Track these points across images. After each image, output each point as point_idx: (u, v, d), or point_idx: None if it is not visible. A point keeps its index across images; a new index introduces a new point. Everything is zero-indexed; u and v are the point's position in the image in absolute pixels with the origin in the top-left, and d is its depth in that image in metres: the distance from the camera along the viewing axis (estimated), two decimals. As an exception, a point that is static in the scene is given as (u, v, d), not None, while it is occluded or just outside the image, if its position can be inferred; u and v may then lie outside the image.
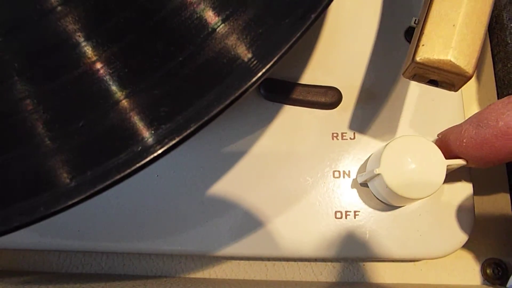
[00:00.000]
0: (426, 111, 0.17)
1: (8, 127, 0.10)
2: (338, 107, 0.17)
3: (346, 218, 0.16)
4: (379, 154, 0.14)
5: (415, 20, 0.16)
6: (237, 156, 0.17)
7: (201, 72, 0.11)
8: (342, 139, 0.17)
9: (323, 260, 0.18)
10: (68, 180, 0.10)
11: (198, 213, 0.16)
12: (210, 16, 0.11)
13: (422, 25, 0.13)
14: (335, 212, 0.16)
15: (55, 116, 0.09)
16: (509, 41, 0.18)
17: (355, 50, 0.18)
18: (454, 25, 0.13)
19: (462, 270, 0.17)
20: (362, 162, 0.16)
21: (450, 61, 0.12)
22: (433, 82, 0.13)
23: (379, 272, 0.18)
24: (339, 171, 0.16)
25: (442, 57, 0.12)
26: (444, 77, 0.13)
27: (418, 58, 0.12)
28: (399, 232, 0.16)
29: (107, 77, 0.09)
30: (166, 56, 0.10)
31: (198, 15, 0.11)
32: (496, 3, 0.19)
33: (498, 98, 0.18)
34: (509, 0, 0.18)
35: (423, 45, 0.13)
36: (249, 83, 0.10)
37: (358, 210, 0.16)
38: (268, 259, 0.18)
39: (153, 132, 0.09)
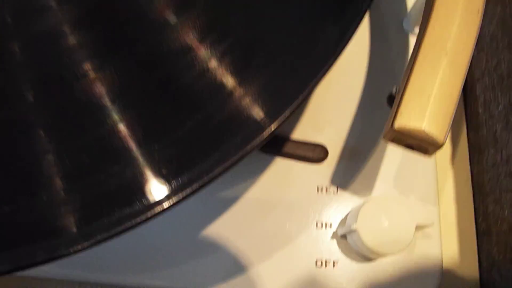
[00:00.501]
0: (403, 171, 0.18)
1: (29, 176, 0.11)
2: (324, 163, 0.19)
3: (326, 267, 0.17)
4: (357, 211, 0.16)
5: (396, 88, 0.18)
6: (229, 201, 0.18)
7: (218, 129, 0.12)
8: (326, 192, 0.18)
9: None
10: (75, 229, 0.11)
11: (189, 252, 0.18)
12: (229, 81, 0.13)
13: (401, 94, 0.15)
14: (316, 261, 0.17)
15: (74, 170, 0.11)
16: (480, 111, 0.20)
17: (342, 111, 0.20)
18: (429, 96, 0.14)
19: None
20: (343, 216, 0.18)
21: (424, 131, 0.14)
22: (409, 146, 0.15)
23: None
24: (321, 222, 0.18)
25: (416, 126, 0.14)
26: (419, 143, 0.14)
27: (395, 125, 0.14)
28: (373, 282, 0.17)
29: (127, 137, 0.11)
30: (186, 118, 0.12)
31: (218, 81, 0.13)
32: (470, 74, 0.21)
33: (470, 162, 0.20)
34: (482, 74, 0.20)
35: (400, 113, 0.14)
36: (262, 139, 0.12)
37: (337, 260, 0.17)
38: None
39: (166, 184, 0.11)
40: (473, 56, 0.21)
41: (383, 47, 0.20)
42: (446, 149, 0.21)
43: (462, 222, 0.19)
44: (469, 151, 0.20)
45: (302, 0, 0.15)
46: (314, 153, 0.18)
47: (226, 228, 0.18)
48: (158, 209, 0.10)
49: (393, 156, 0.19)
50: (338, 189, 0.18)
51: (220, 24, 0.14)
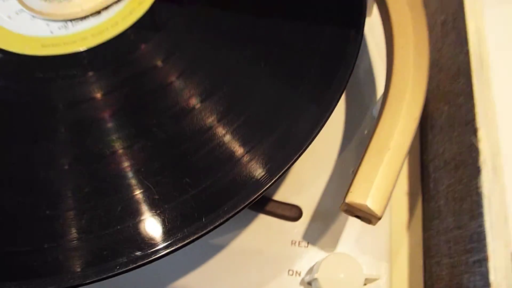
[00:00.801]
0: (363, 233, 0.22)
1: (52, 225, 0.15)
2: (298, 221, 0.23)
3: (293, 309, 0.21)
4: (320, 263, 0.20)
5: (353, 170, 0.22)
6: (211, 250, 0.22)
7: (220, 192, 0.17)
8: (298, 246, 0.22)
9: None
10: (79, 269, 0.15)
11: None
12: (237, 150, 0.18)
13: (353, 176, 0.19)
14: (286, 303, 0.21)
15: (91, 221, 0.15)
16: (431, 186, 0.24)
17: (317, 179, 0.24)
18: (372, 180, 0.18)
19: None
20: (310, 266, 0.22)
21: (367, 206, 0.18)
22: (358, 217, 0.19)
23: None
24: (293, 270, 0.22)
25: (362, 202, 0.18)
26: (364, 215, 0.18)
27: (346, 200, 0.18)
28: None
29: (143, 200, 0.15)
30: (196, 183, 0.16)
31: (227, 151, 0.17)
32: (427, 155, 0.25)
33: (422, 229, 0.24)
34: (434, 157, 0.24)
35: (351, 191, 0.18)
36: (254, 199, 0.16)
37: (303, 304, 0.21)
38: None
39: (169, 236, 0.15)
40: (428, 141, 0.25)
41: (354, 129, 0.25)
42: (403, 215, 0.25)
43: (413, 279, 0.23)
44: (422, 219, 0.24)
45: (293, 87, 0.20)
46: (291, 213, 0.22)
47: (205, 277, 0.21)
48: (160, 252, 0.15)
49: (355, 220, 0.23)
50: (309, 244, 0.22)
51: (236, 105, 0.19)
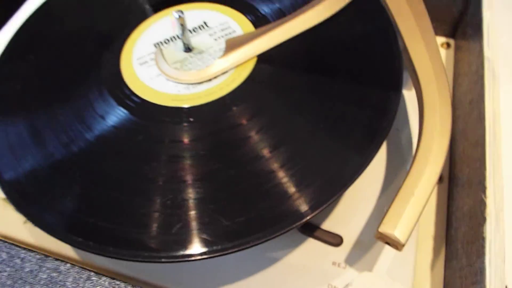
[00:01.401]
0: (392, 263, 0.28)
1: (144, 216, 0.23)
2: (340, 247, 0.29)
3: (330, 315, 0.26)
4: (354, 283, 0.25)
5: (386, 208, 0.28)
6: (267, 261, 0.28)
7: (272, 218, 0.24)
8: (338, 266, 0.28)
9: None
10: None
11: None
12: (291, 188, 0.25)
13: (386, 211, 0.25)
14: (324, 310, 0.27)
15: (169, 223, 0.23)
16: (452, 233, 0.29)
17: (359, 214, 0.30)
18: (400, 216, 0.24)
19: None
20: (347, 283, 0.27)
21: (395, 235, 0.24)
22: (388, 243, 0.25)
23: None
24: (331, 285, 0.27)
25: (391, 231, 0.24)
26: (392, 242, 0.24)
27: (379, 229, 0.24)
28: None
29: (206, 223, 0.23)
30: (252, 209, 0.24)
31: (285, 187, 0.25)
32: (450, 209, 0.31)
33: (444, 267, 0.29)
34: (457, 208, 0.30)
35: (383, 223, 0.24)
36: (297, 226, 0.23)
37: (338, 313, 0.26)
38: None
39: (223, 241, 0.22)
40: (454, 196, 0.31)
41: (392, 177, 0.31)
42: (428, 255, 0.30)
43: (432, 309, 0.28)
44: (445, 260, 0.29)
45: (342, 142, 0.27)
46: (334, 240, 0.29)
47: (261, 280, 0.28)
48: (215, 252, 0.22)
49: (387, 252, 0.28)
50: (346, 266, 0.28)
51: (297, 155, 0.27)
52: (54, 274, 0.17)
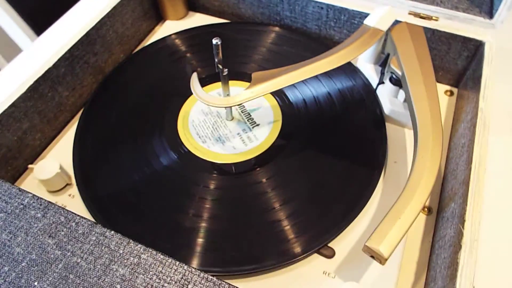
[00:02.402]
0: (378, 275, 0.31)
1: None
2: (332, 259, 0.32)
3: (316, 317, 0.30)
4: None
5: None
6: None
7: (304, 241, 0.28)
8: (327, 275, 0.31)
9: None
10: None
11: None
12: (291, 236, 0.30)
13: (375, 229, 0.29)
14: (311, 312, 0.30)
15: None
16: (433, 258, 0.32)
17: (352, 233, 0.33)
18: (386, 234, 0.28)
19: None
20: (334, 291, 0.31)
21: (379, 249, 0.27)
22: (372, 257, 0.28)
23: None
24: (321, 291, 0.31)
25: (376, 247, 0.27)
26: (376, 256, 0.28)
27: (367, 244, 0.28)
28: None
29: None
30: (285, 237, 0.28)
31: (285, 234, 0.29)
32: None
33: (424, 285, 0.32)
34: (440, 237, 0.33)
35: (371, 238, 0.28)
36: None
37: (324, 315, 0.30)
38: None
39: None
40: (439, 227, 0.34)
41: (388, 200, 0.35)
42: (409, 278, 0.33)
43: (408, 325, 0.31)
44: (424, 283, 0.33)
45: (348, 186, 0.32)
46: (327, 252, 0.32)
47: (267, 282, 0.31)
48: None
49: (372, 267, 0.32)
50: (335, 276, 0.31)
51: (306, 203, 0.32)
52: (101, 238, 0.21)
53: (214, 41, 0.31)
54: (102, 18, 0.43)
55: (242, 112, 0.40)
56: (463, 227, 0.28)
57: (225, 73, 0.34)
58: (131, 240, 0.22)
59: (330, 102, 0.40)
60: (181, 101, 0.41)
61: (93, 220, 0.33)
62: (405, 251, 0.34)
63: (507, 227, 0.37)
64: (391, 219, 0.28)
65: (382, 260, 0.27)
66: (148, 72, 0.45)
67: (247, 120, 0.39)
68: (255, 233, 0.32)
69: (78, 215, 0.22)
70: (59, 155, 0.40)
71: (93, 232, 0.21)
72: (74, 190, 0.37)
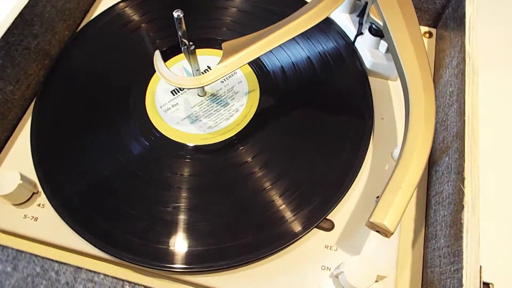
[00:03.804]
0: (376, 245, 0.31)
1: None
2: (331, 231, 0.31)
3: (324, 293, 0.29)
4: (345, 262, 0.28)
5: (377, 198, 0.30)
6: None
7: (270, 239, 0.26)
8: (330, 249, 0.31)
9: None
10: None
11: None
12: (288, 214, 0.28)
13: (377, 203, 0.27)
14: (318, 288, 0.29)
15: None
16: (432, 214, 0.32)
17: (348, 202, 0.32)
18: (389, 207, 0.27)
19: None
20: (338, 263, 0.30)
21: (385, 224, 0.26)
22: (377, 231, 0.27)
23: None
24: (324, 266, 0.30)
25: (381, 222, 0.26)
26: (382, 230, 0.27)
27: (371, 219, 0.27)
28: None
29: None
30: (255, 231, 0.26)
31: (282, 214, 0.27)
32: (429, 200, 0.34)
33: (423, 246, 0.32)
34: (436, 192, 0.32)
35: (374, 214, 0.27)
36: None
37: (331, 290, 0.29)
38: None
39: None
40: (433, 181, 0.33)
41: (378, 168, 0.34)
42: (410, 235, 0.33)
43: (413, 283, 0.31)
44: (424, 239, 0.33)
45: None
46: (326, 225, 0.31)
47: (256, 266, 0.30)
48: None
49: (373, 235, 0.31)
50: (338, 248, 0.31)
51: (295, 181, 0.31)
52: (90, 285, 0.19)
53: (175, 14, 0.27)
54: (35, -7, 0.37)
55: (215, 86, 0.36)
56: (463, 185, 0.27)
57: (192, 48, 0.30)
58: (125, 282, 0.19)
59: (307, 63, 0.37)
60: (145, 79, 0.37)
61: (71, 229, 0.30)
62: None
63: (505, 180, 0.37)
64: (392, 190, 0.27)
65: (388, 234, 0.26)
66: (100, 50, 0.40)
67: (222, 94, 0.36)
68: (249, 219, 0.30)
69: (56, 261, 0.19)
70: (17, 161, 0.35)
71: (79, 280, 0.19)
72: (42, 198, 0.33)
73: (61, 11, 0.41)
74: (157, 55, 0.30)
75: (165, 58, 0.37)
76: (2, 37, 0.34)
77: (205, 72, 0.36)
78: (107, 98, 0.36)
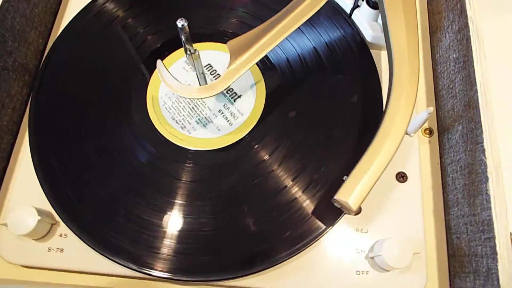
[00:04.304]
0: (402, 224, 0.32)
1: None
2: (359, 215, 0.32)
3: (361, 275, 0.31)
4: (382, 243, 0.29)
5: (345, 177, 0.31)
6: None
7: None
8: (361, 232, 0.32)
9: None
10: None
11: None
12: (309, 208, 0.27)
13: (344, 183, 0.28)
14: (356, 271, 0.31)
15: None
16: (449, 182, 0.33)
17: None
18: (355, 187, 0.27)
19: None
20: (370, 245, 0.31)
21: (348, 203, 0.27)
22: (340, 208, 0.28)
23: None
24: (358, 249, 0.31)
25: (346, 199, 0.27)
26: (345, 208, 0.28)
27: (335, 196, 0.28)
28: (388, 280, 0.30)
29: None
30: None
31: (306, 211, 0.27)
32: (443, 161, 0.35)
33: (444, 214, 0.34)
34: (452, 161, 0.34)
35: (340, 192, 0.27)
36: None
37: (369, 271, 0.31)
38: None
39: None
40: (446, 149, 0.34)
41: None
42: (430, 203, 0.34)
43: (439, 249, 0.33)
44: (444, 206, 0.34)
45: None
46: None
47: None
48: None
49: (399, 209, 0.32)
50: (368, 230, 0.32)
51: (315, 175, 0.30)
52: None
53: (179, 23, 0.25)
54: (2, 4, 0.33)
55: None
56: (485, 156, 0.28)
57: (196, 53, 0.28)
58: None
59: (310, 50, 0.36)
60: (143, 82, 0.35)
61: (100, 254, 0.29)
62: (422, 179, 0.34)
63: None
64: (357, 175, 0.28)
65: (350, 211, 0.28)
66: (87, 56, 0.37)
67: (226, 92, 0.35)
68: (275, 221, 0.30)
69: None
70: (23, 191, 0.33)
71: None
72: (62, 227, 0.32)
73: (31, 18, 0.37)
74: (160, 65, 0.29)
75: (161, 57, 0.35)
76: (-22, 63, 0.31)
77: (208, 71, 0.35)
78: (106, 110, 0.34)
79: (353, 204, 0.27)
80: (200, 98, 0.28)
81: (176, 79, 0.28)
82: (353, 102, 0.34)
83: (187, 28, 0.25)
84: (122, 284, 0.31)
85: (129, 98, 0.34)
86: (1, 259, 0.31)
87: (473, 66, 0.31)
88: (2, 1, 0.33)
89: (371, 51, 0.37)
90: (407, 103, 0.30)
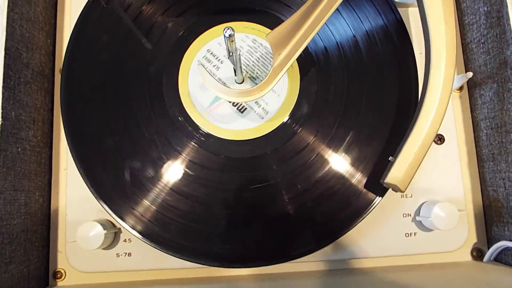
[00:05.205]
0: (444, 187, 0.34)
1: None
2: (403, 181, 0.34)
3: (410, 236, 0.33)
4: (430, 208, 0.32)
5: (391, 159, 0.32)
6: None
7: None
8: (406, 197, 0.34)
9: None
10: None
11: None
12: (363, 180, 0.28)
13: (391, 165, 0.30)
14: (405, 233, 0.33)
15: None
16: (483, 137, 0.35)
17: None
18: (402, 169, 0.29)
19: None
20: (415, 209, 0.33)
21: (397, 186, 0.29)
22: (388, 188, 0.30)
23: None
24: (405, 213, 0.34)
25: (395, 183, 0.29)
26: (396, 189, 0.30)
27: (386, 180, 0.29)
28: (434, 239, 0.33)
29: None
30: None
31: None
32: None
33: (478, 170, 0.36)
34: (485, 117, 0.35)
35: (389, 176, 0.29)
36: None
37: (416, 232, 0.33)
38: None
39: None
40: (478, 104, 0.35)
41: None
42: (464, 158, 0.36)
43: (475, 200, 0.35)
44: (477, 160, 0.36)
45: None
46: (398, 178, 0.34)
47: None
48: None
49: (439, 175, 0.34)
50: (412, 195, 0.34)
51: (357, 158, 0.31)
52: None
53: (226, 33, 0.24)
54: (8, 15, 0.30)
55: (248, 70, 0.34)
56: (526, 119, 0.30)
57: (238, 53, 0.27)
58: None
59: (344, 28, 0.34)
60: (173, 74, 0.33)
61: (165, 253, 0.31)
62: (458, 137, 0.36)
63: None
64: (403, 160, 0.29)
65: (399, 191, 0.30)
66: (108, 54, 0.34)
67: (259, 73, 0.34)
68: (331, 200, 0.32)
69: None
70: (77, 203, 0.34)
71: None
72: (125, 233, 0.33)
73: (35, 20, 0.34)
74: (202, 71, 0.28)
75: (186, 45, 0.33)
76: (3, 86, 0.30)
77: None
78: (139, 110, 0.33)
79: (402, 186, 0.29)
80: (251, 100, 0.28)
81: (221, 85, 0.28)
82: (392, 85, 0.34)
83: (234, 36, 0.24)
84: (192, 272, 0.34)
85: (160, 95, 0.33)
86: (75, 269, 0.33)
87: (509, 25, 0.31)
88: (7, 11, 0.30)
89: (399, 9, 0.35)
90: (448, 72, 0.30)
